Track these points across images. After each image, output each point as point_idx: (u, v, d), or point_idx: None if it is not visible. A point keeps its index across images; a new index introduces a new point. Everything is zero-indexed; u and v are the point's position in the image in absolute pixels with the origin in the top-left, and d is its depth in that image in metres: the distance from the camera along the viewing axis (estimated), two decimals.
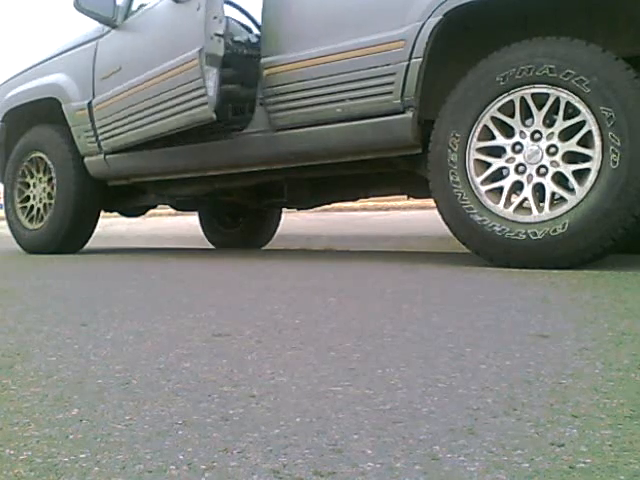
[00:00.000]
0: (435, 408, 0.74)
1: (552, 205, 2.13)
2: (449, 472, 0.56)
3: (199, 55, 2.67)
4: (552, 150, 2.13)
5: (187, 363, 0.98)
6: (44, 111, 3.82)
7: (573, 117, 2.09)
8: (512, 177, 2.21)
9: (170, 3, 2.91)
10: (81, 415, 0.75)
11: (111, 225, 7.58)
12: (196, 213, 4.93)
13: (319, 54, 2.60)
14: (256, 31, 3.48)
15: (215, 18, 2.69)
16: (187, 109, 2.79)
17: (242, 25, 3.53)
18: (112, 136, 3.29)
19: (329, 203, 3.95)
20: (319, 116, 2.64)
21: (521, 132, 2.19)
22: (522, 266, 2.13)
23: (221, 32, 2.71)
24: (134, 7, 3.33)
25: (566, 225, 2.04)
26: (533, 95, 2.15)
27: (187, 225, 6.56)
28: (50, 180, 3.84)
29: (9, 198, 4.07)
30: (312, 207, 3.97)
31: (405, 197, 3.69)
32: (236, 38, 3.11)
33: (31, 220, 3.94)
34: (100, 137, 3.41)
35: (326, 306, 1.51)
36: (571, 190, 2.10)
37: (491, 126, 2.23)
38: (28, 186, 4.00)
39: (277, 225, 4.70)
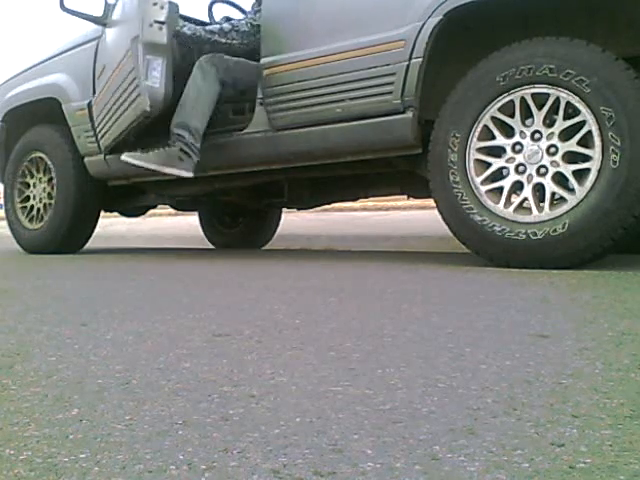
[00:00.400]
0: (435, 408, 0.74)
1: (552, 205, 2.13)
2: (449, 472, 0.56)
3: (131, 44, 2.64)
4: (552, 150, 2.13)
5: (187, 363, 0.98)
6: (44, 111, 3.82)
7: (573, 117, 2.09)
8: (512, 177, 2.21)
9: None
10: (81, 415, 0.75)
11: (111, 225, 7.58)
12: (196, 213, 4.93)
13: (319, 54, 2.60)
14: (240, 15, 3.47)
15: (155, 4, 2.66)
16: (132, 102, 2.78)
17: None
18: (102, 136, 3.29)
19: (329, 203, 3.95)
20: (319, 116, 2.63)
21: (521, 132, 2.19)
22: (522, 266, 2.13)
23: (162, 19, 2.67)
24: None
25: (566, 225, 2.04)
26: (533, 95, 2.15)
27: (187, 225, 6.55)
28: (50, 180, 3.83)
29: (9, 198, 4.07)
30: (312, 207, 3.97)
31: (405, 197, 3.69)
32: (208, 27, 3.09)
33: (31, 220, 3.94)
34: (98, 137, 3.41)
35: (326, 306, 1.51)
36: (571, 190, 2.10)
37: (491, 126, 2.23)
38: (28, 186, 4.00)
39: (277, 225, 4.70)
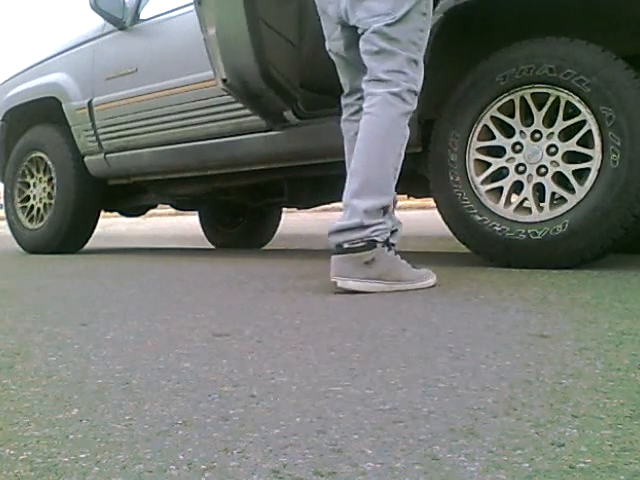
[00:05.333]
0: (435, 408, 0.74)
1: (552, 205, 2.13)
2: (449, 472, 0.56)
3: None
4: (552, 150, 2.12)
5: (187, 363, 0.98)
6: (44, 110, 3.82)
7: (573, 117, 2.09)
8: (512, 177, 2.20)
9: None
10: (81, 415, 0.75)
11: (111, 225, 7.58)
12: (196, 213, 4.92)
13: None
14: None
15: None
16: None
17: None
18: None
19: (329, 202, 3.94)
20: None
21: (521, 132, 2.19)
22: (522, 266, 2.13)
23: None
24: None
25: (566, 225, 2.04)
26: (533, 95, 2.15)
27: (187, 225, 6.55)
28: (50, 180, 3.84)
29: (9, 198, 4.07)
30: (312, 206, 3.97)
31: (405, 197, 3.68)
32: None
33: (31, 220, 3.94)
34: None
35: (326, 306, 1.51)
36: (571, 190, 2.10)
37: (491, 126, 2.23)
38: (28, 186, 4.00)
39: (277, 225, 4.70)
